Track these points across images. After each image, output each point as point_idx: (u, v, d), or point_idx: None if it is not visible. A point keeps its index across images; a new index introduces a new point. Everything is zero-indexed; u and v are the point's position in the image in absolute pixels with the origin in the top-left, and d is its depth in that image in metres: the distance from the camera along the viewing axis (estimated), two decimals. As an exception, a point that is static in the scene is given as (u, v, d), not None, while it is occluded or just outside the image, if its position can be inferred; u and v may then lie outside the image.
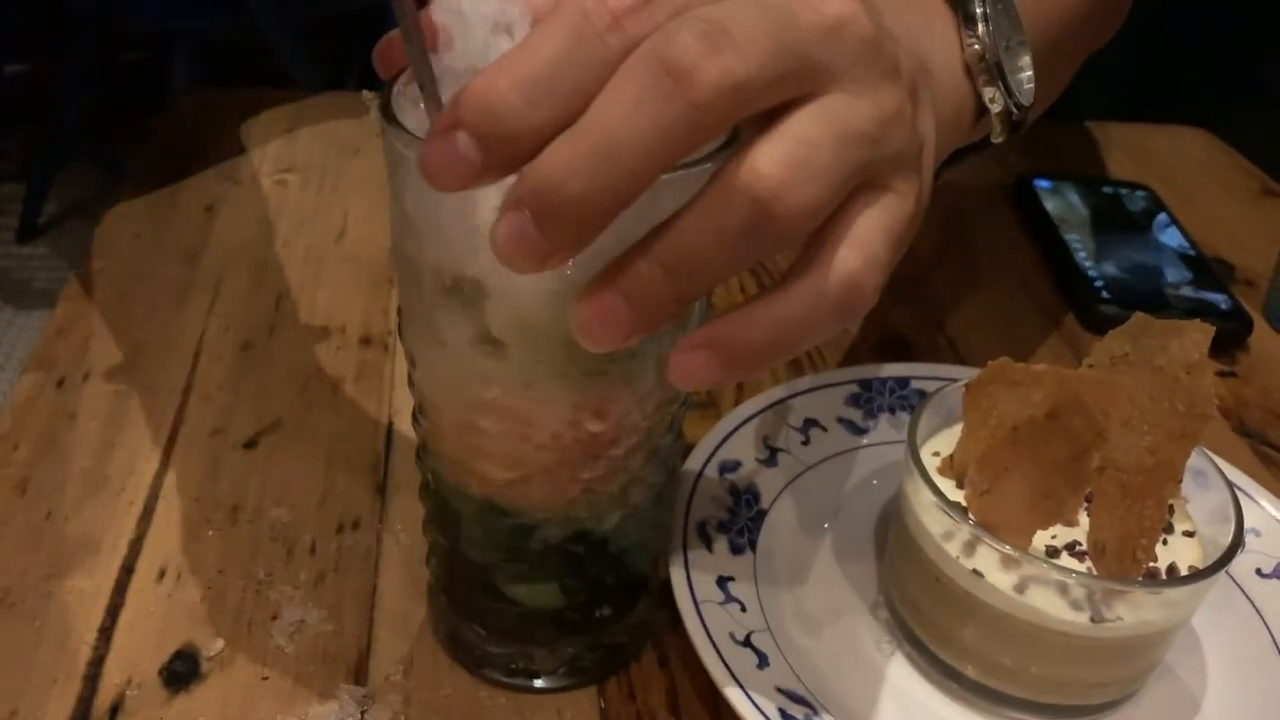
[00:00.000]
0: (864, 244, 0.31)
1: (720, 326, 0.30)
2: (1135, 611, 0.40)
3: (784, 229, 0.29)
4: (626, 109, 0.27)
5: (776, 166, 0.28)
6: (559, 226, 0.27)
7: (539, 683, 0.42)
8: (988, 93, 0.42)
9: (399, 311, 0.37)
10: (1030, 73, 0.44)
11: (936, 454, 0.46)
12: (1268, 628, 0.47)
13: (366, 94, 0.33)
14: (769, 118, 0.29)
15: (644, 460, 0.37)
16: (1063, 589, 0.40)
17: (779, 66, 0.28)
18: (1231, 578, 0.48)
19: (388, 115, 0.32)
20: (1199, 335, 0.42)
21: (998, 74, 0.42)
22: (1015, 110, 0.43)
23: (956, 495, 0.44)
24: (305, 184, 0.75)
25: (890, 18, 0.32)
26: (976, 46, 0.42)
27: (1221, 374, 0.65)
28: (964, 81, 0.42)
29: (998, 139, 0.44)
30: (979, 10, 0.42)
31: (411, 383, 0.38)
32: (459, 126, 0.27)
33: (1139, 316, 0.43)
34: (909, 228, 0.33)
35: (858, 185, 0.30)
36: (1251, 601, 0.47)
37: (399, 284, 0.36)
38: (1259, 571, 0.48)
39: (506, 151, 0.27)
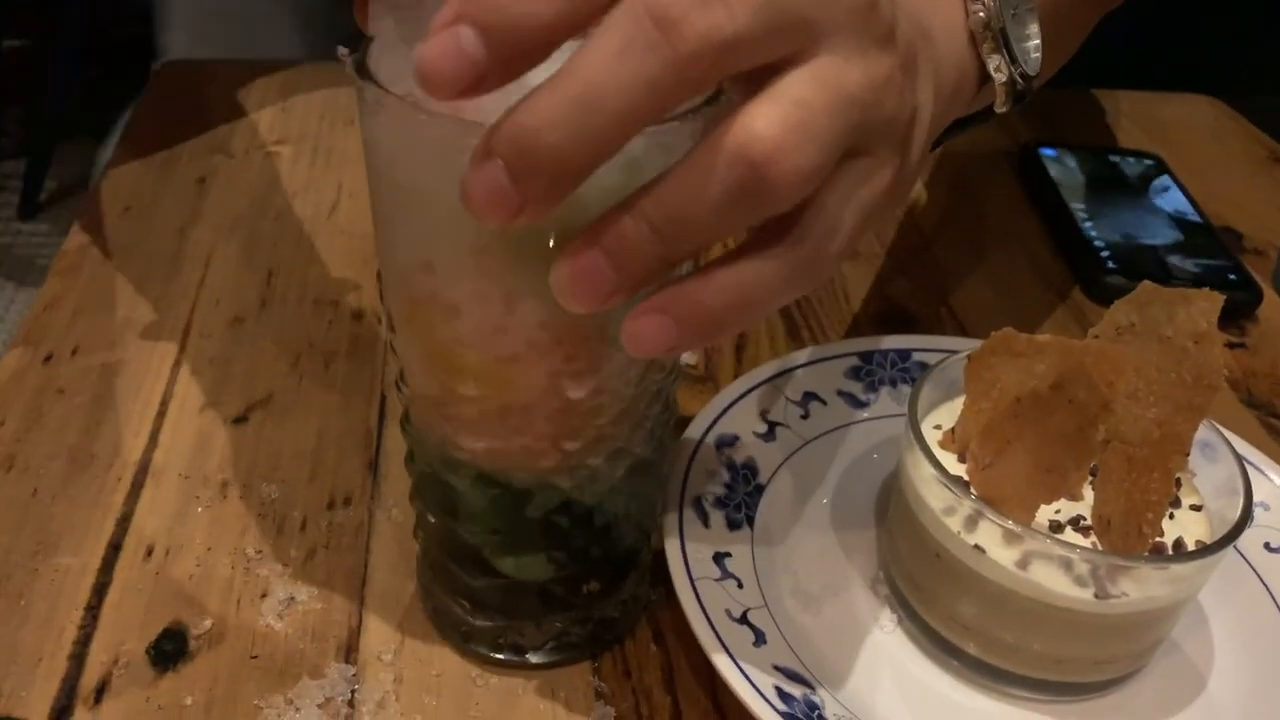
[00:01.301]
0: (832, 210, 0.30)
1: (676, 289, 0.29)
2: (1140, 587, 0.39)
3: (778, 193, 0.28)
4: (610, 59, 0.26)
5: (774, 129, 0.27)
6: (534, 178, 0.26)
7: (527, 658, 0.42)
8: (992, 61, 0.41)
9: (378, 276, 0.36)
10: (1037, 41, 0.42)
11: (938, 427, 0.45)
12: (1276, 603, 0.46)
13: (342, 50, 0.32)
14: (757, 76, 0.28)
15: (629, 431, 0.36)
16: (1066, 565, 0.39)
17: (770, 23, 0.27)
18: (1239, 552, 0.47)
19: (362, 70, 0.31)
20: (1207, 304, 0.41)
21: (1002, 42, 0.41)
22: (1020, 80, 0.42)
23: (958, 469, 0.43)
24: (298, 156, 0.74)
25: None
26: (981, 13, 0.40)
27: (1230, 345, 0.63)
28: (967, 49, 0.41)
29: (1001, 109, 0.43)
30: None
31: (393, 349, 0.37)
32: (461, 21, 0.25)
33: (1146, 285, 0.42)
34: (886, 198, 0.32)
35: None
36: (1260, 576, 0.47)
37: (377, 245, 0.35)
38: (1267, 546, 0.47)
39: (513, 46, 0.26)
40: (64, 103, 2.18)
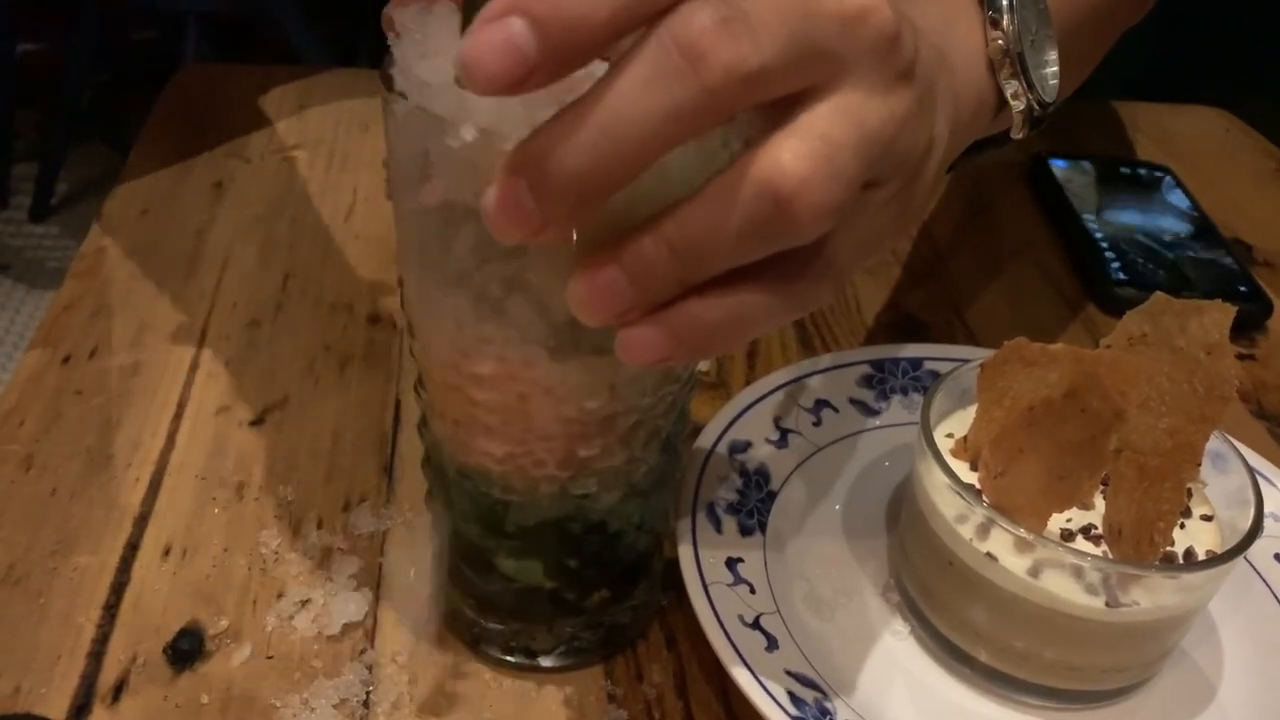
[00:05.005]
0: (837, 240, 0.30)
1: (674, 303, 0.30)
2: (1151, 596, 0.39)
3: (801, 228, 0.28)
4: (635, 86, 0.26)
5: (802, 164, 0.28)
6: (554, 200, 0.27)
7: (539, 661, 0.42)
8: (1010, 88, 0.41)
9: (398, 281, 0.36)
10: (1055, 68, 0.43)
11: (950, 435, 0.45)
12: (1286, 613, 0.46)
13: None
14: (779, 104, 0.28)
15: (644, 441, 0.37)
16: (1077, 573, 0.39)
17: (794, 55, 0.27)
18: (1250, 563, 0.47)
19: (387, 81, 0.31)
20: (1219, 315, 0.41)
21: (1020, 70, 0.41)
22: (1037, 107, 0.42)
23: (970, 477, 0.43)
24: (314, 161, 0.75)
25: (916, 10, 0.31)
26: (1000, 41, 0.40)
27: (1240, 357, 0.64)
28: (986, 76, 0.41)
29: (1018, 135, 0.43)
30: (1004, 2, 0.40)
31: (413, 353, 0.38)
32: (514, 12, 0.25)
33: (1158, 296, 0.42)
34: (892, 227, 0.33)
35: None
36: (1270, 587, 0.47)
37: (398, 251, 0.36)
38: (1278, 556, 0.47)
39: (566, 43, 0.25)
40: (78, 106, 2.19)
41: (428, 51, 0.31)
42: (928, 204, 0.35)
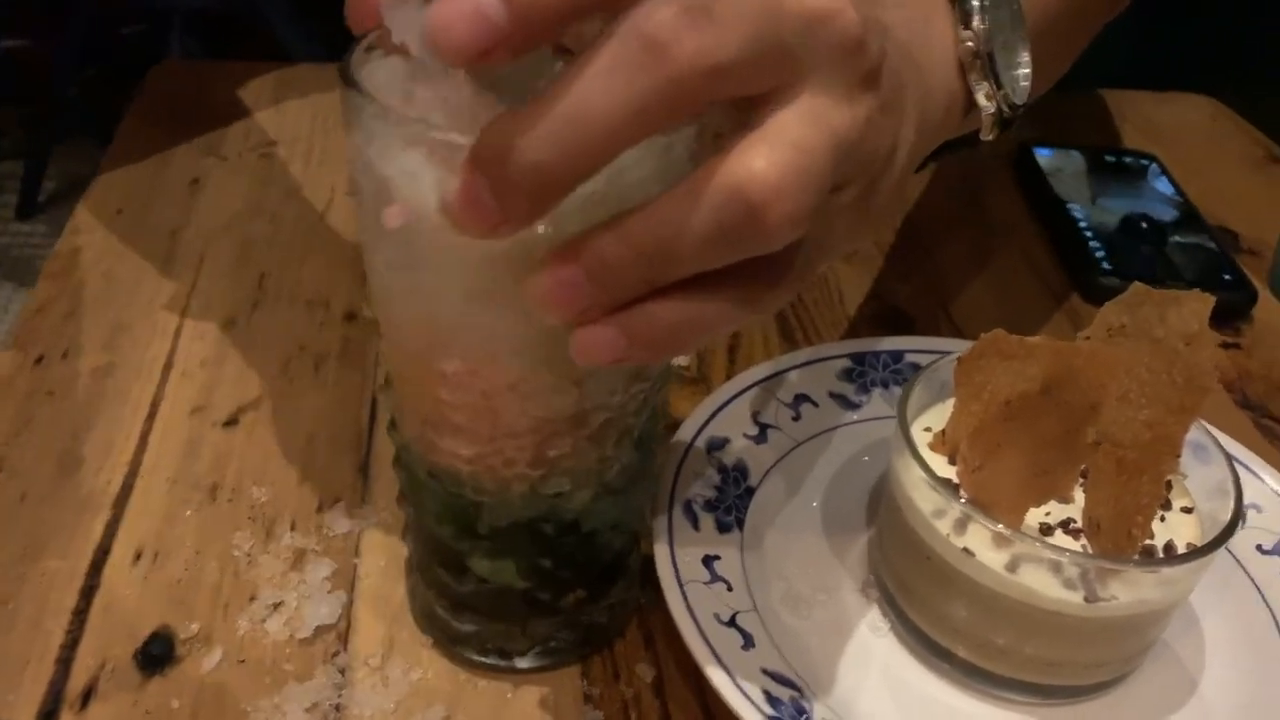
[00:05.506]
0: (796, 250, 0.30)
1: (633, 304, 0.29)
2: (1131, 590, 0.39)
3: (772, 236, 0.28)
4: (597, 77, 0.26)
5: (773, 171, 0.27)
6: (515, 194, 0.26)
7: (513, 663, 0.41)
8: (980, 89, 0.41)
9: (365, 279, 0.36)
10: (1027, 70, 0.42)
11: (928, 430, 0.45)
12: (1268, 605, 0.45)
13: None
14: (745, 107, 0.28)
15: (615, 439, 0.36)
16: (1056, 568, 0.39)
17: (758, 53, 0.27)
18: (1232, 554, 0.47)
19: (347, 78, 0.30)
20: (1198, 305, 0.41)
21: (991, 72, 0.40)
22: (1007, 109, 0.41)
23: (948, 472, 0.42)
24: (291, 157, 0.74)
25: (888, 12, 0.31)
26: (971, 43, 0.40)
27: (1224, 345, 0.63)
28: (956, 78, 0.40)
29: (988, 136, 0.43)
30: (976, 3, 0.40)
31: (381, 352, 0.37)
32: None
33: (1137, 286, 0.42)
34: (852, 230, 0.32)
35: None
36: (1252, 579, 0.46)
37: (364, 250, 0.35)
38: (1260, 548, 0.47)
39: (538, 14, 0.25)
40: (64, 103, 2.18)
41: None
42: (892, 206, 0.34)
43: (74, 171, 2.26)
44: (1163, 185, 0.75)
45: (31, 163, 2.22)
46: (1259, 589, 0.46)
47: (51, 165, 2.23)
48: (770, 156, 0.27)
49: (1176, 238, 0.69)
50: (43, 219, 2.24)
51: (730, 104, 0.28)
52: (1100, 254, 0.67)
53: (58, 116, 2.19)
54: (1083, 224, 0.70)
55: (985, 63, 0.40)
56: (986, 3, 0.40)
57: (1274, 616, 0.45)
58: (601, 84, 0.26)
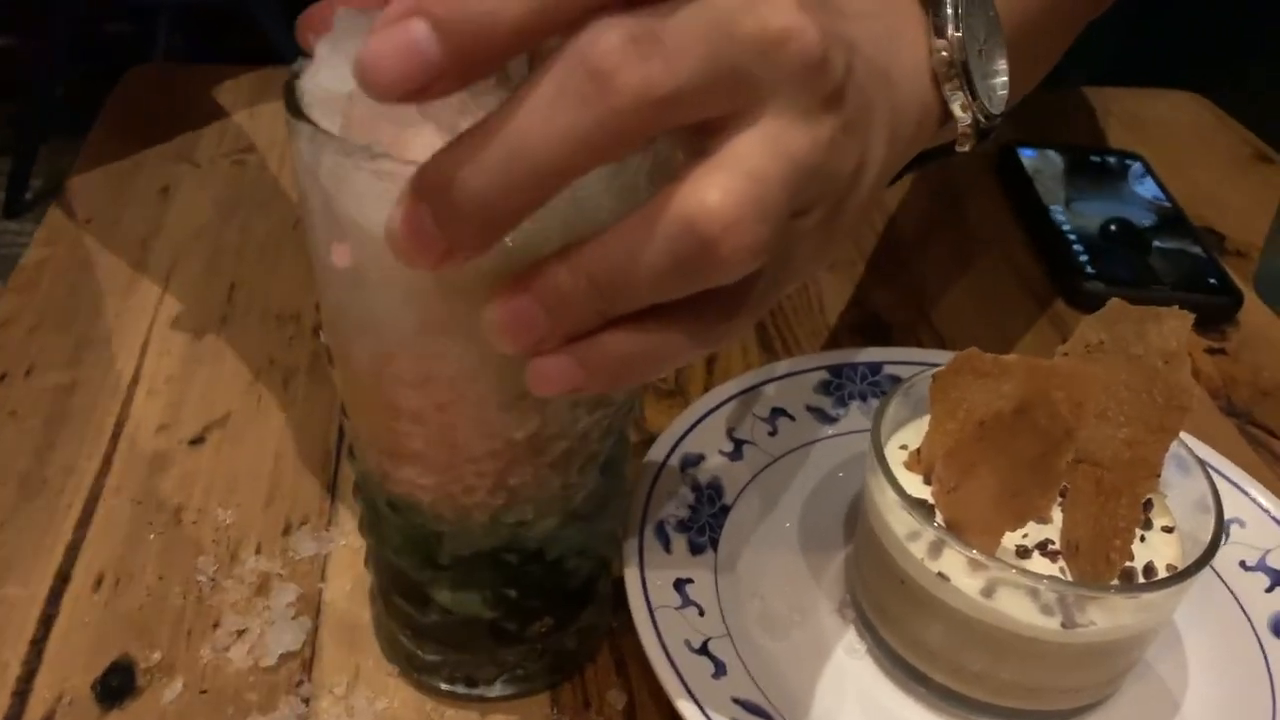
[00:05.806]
0: (755, 280, 0.29)
1: (589, 335, 0.28)
2: (1109, 616, 0.38)
3: (728, 269, 0.27)
4: (540, 108, 0.25)
5: (728, 203, 0.26)
6: (458, 225, 0.25)
7: (481, 691, 0.41)
8: (955, 100, 0.39)
9: (317, 307, 0.35)
10: (1004, 78, 0.41)
11: (904, 447, 0.44)
12: (1251, 622, 0.45)
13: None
14: (701, 133, 0.27)
15: (579, 466, 0.35)
16: (1032, 594, 0.38)
17: (710, 79, 0.25)
18: (1214, 571, 0.46)
19: (293, 106, 0.29)
20: (1177, 323, 0.40)
21: (966, 84, 0.39)
22: (983, 119, 0.40)
23: (923, 491, 0.42)
24: (265, 164, 0.73)
25: (856, 24, 0.30)
26: (944, 52, 0.38)
27: (1209, 351, 0.62)
28: (930, 89, 0.39)
29: (963, 148, 0.42)
30: (950, 11, 0.39)
31: (335, 382, 0.36)
32: (417, 14, 0.23)
33: (1115, 303, 0.41)
34: (815, 254, 0.31)
35: None
36: (1235, 596, 0.45)
37: (316, 282, 0.34)
38: (1243, 564, 0.46)
39: (472, 48, 0.24)
40: (50, 101, 2.16)
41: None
42: (859, 225, 0.33)
43: (62, 169, 2.24)
44: (1148, 186, 0.74)
45: (19, 161, 2.20)
46: (1242, 606, 0.45)
47: (38, 163, 2.22)
48: (725, 186, 0.26)
49: (1161, 241, 0.69)
50: (30, 217, 2.22)
51: (687, 129, 0.27)
52: (1083, 259, 0.66)
53: (44, 114, 2.18)
54: (1066, 228, 0.69)
55: (960, 73, 0.39)
56: (961, 10, 0.39)
57: (1257, 634, 0.44)
58: (543, 115, 0.25)
